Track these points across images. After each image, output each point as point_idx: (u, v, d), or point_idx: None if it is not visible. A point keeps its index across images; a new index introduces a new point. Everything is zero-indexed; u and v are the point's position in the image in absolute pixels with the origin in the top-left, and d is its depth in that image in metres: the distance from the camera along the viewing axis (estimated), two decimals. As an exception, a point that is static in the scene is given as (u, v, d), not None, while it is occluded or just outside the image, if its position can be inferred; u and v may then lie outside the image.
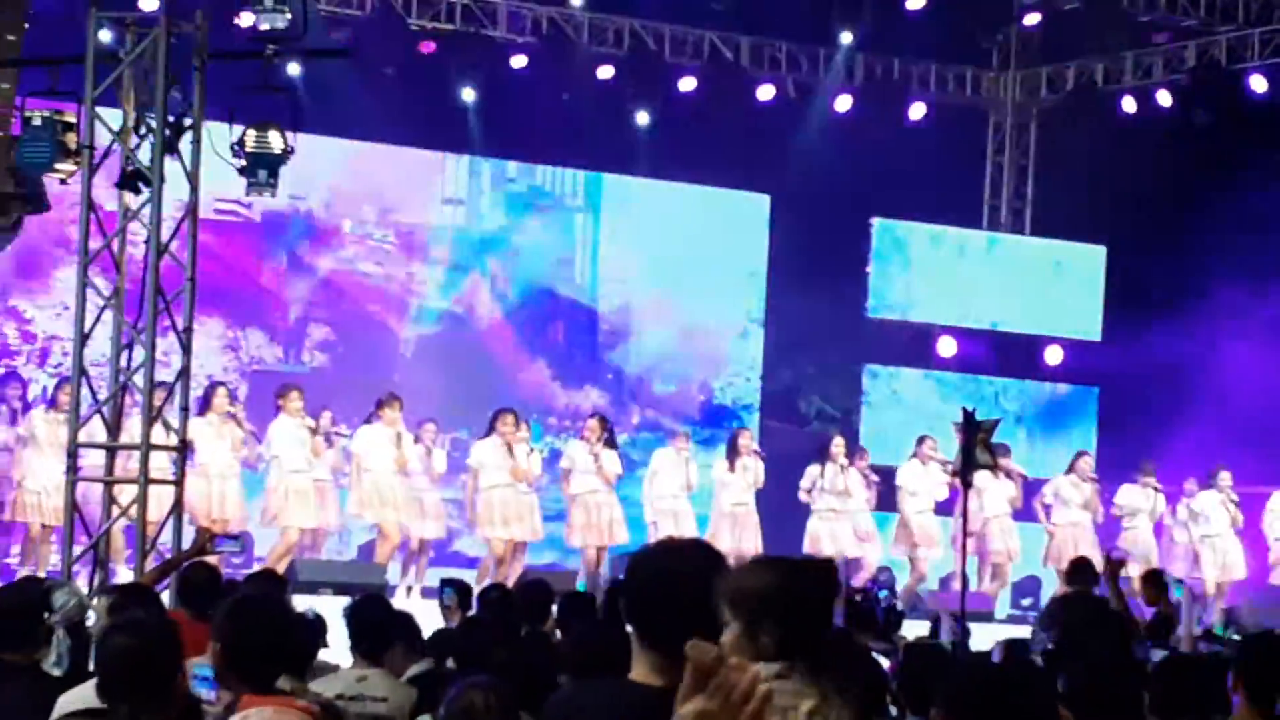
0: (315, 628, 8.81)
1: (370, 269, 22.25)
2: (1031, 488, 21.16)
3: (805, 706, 4.14)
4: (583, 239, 23.39)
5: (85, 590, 12.06)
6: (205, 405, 17.53)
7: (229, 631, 5.85)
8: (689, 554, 4.41)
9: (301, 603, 10.41)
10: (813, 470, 20.23)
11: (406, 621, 8.94)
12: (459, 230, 22.80)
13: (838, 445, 20.43)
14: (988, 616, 19.12)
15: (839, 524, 20.30)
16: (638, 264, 23.46)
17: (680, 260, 23.39)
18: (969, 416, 13.94)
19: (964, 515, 14.66)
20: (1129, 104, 23.49)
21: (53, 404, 17.56)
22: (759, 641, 4.19)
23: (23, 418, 17.70)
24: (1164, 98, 23.26)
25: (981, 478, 17.18)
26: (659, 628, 4.29)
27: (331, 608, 9.76)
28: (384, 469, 18.24)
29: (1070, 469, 21.14)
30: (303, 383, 18.88)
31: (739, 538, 19.57)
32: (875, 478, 20.61)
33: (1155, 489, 21.14)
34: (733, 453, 20.04)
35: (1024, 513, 21.11)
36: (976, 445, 13.80)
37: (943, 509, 20.53)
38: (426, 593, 17.25)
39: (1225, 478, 21.19)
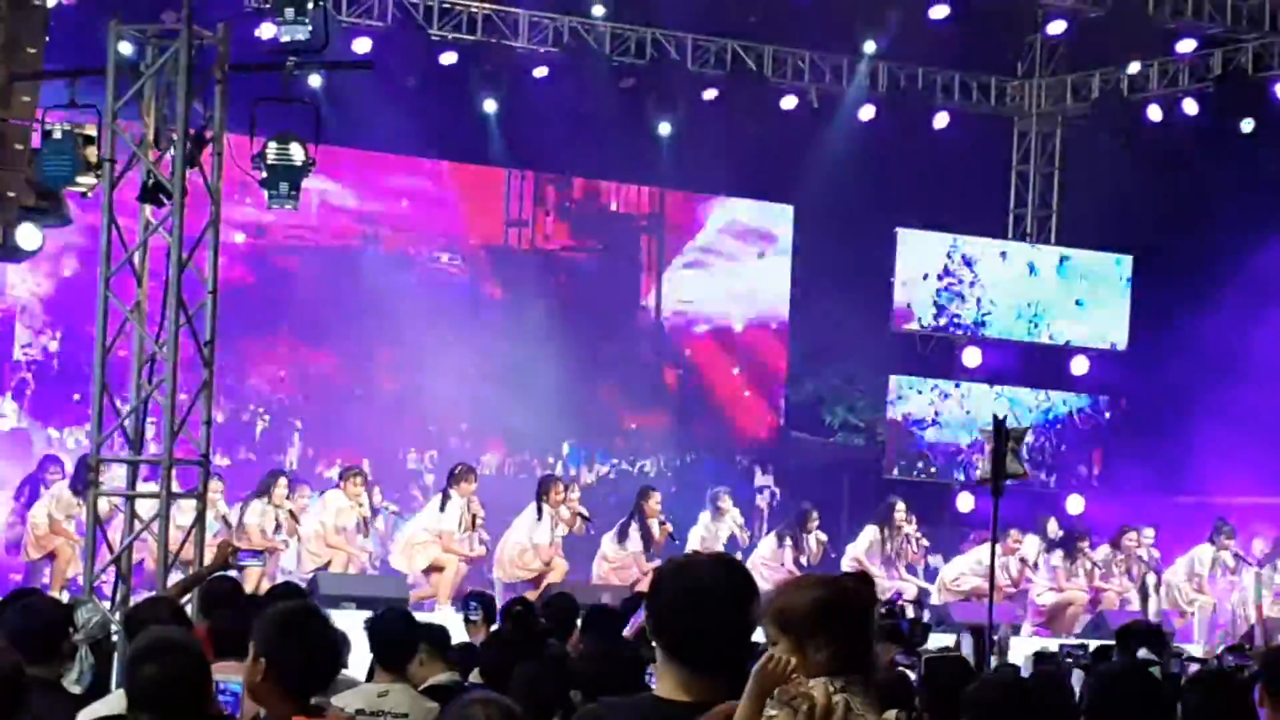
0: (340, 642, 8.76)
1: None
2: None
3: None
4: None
5: (108, 606, 12.04)
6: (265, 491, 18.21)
7: (276, 645, 5.72)
8: (714, 569, 4.35)
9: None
10: (871, 532, 20.19)
11: (434, 631, 8.93)
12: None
13: (900, 511, 20.37)
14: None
15: None
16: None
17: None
18: (999, 424, 13.77)
19: (994, 526, 14.46)
20: (1154, 112, 23.38)
21: (76, 483, 17.60)
22: (809, 659, 4.18)
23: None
24: (1190, 106, 23.14)
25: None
26: (685, 643, 4.25)
27: (354, 622, 9.70)
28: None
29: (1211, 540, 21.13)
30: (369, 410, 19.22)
31: None
32: (926, 543, 20.57)
33: (1236, 554, 21.07)
34: None
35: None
36: (1007, 454, 13.62)
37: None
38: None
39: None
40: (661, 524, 19.50)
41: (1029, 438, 14.31)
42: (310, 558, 18.51)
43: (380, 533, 19.41)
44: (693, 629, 4.25)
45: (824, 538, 20.10)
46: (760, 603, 4.34)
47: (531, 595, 18.40)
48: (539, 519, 18.93)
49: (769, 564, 19.72)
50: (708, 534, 19.90)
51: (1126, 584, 20.92)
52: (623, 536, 19.56)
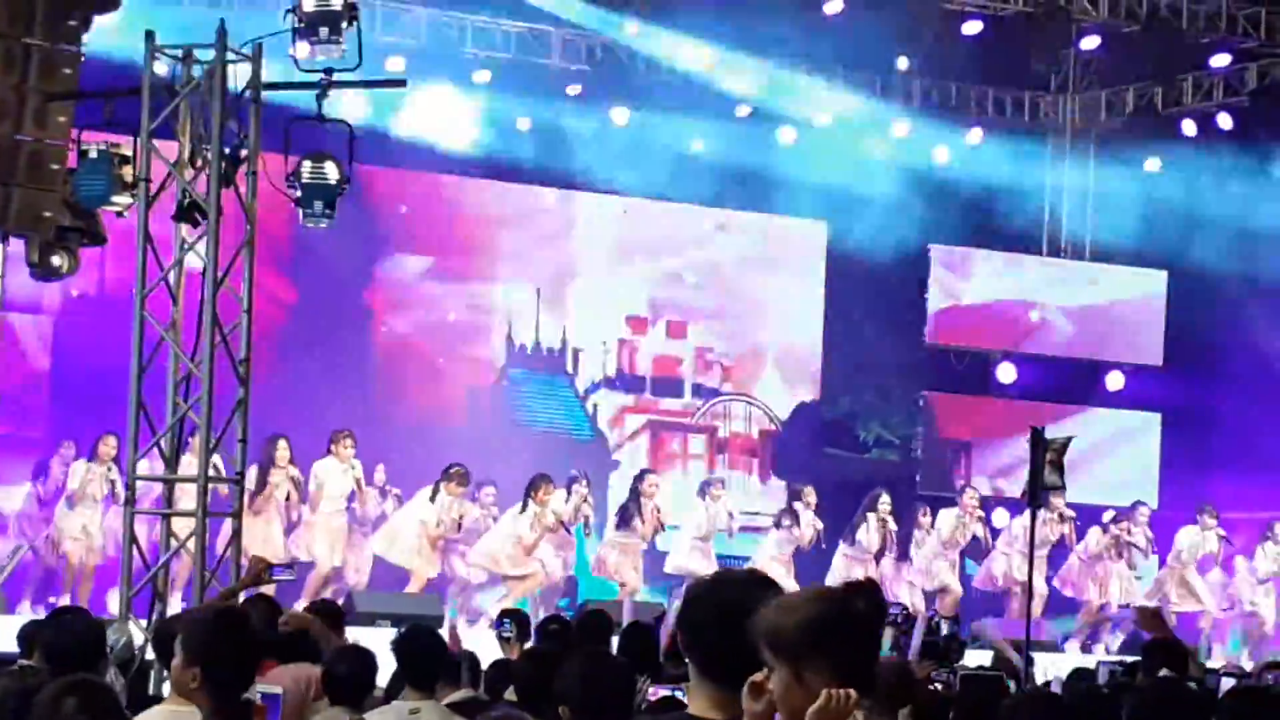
0: (370, 660, 8.77)
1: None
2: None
3: None
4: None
5: (144, 624, 12.07)
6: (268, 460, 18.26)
7: (206, 647, 5.90)
8: (746, 587, 4.34)
9: (358, 635, 10.38)
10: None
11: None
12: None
13: (885, 502, 20.71)
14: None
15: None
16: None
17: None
18: (1037, 435, 13.64)
19: (1030, 540, 14.38)
20: (1189, 127, 23.32)
21: (92, 456, 17.87)
22: (806, 683, 3.90)
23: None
24: (1224, 120, 23.07)
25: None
26: (718, 661, 4.24)
27: (387, 640, 9.71)
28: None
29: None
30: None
31: None
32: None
33: (1219, 535, 21.08)
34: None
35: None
36: (1045, 465, 13.50)
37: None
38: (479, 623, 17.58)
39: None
40: (655, 510, 19.88)
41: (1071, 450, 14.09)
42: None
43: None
44: (725, 647, 4.23)
45: (893, 526, 20.55)
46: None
47: (511, 596, 18.81)
48: (521, 512, 19.32)
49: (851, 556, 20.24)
50: (702, 520, 20.34)
51: (1124, 570, 21.07)
52: (623, 522, 20.09)
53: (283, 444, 18.61)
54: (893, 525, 20.77)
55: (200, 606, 7.52)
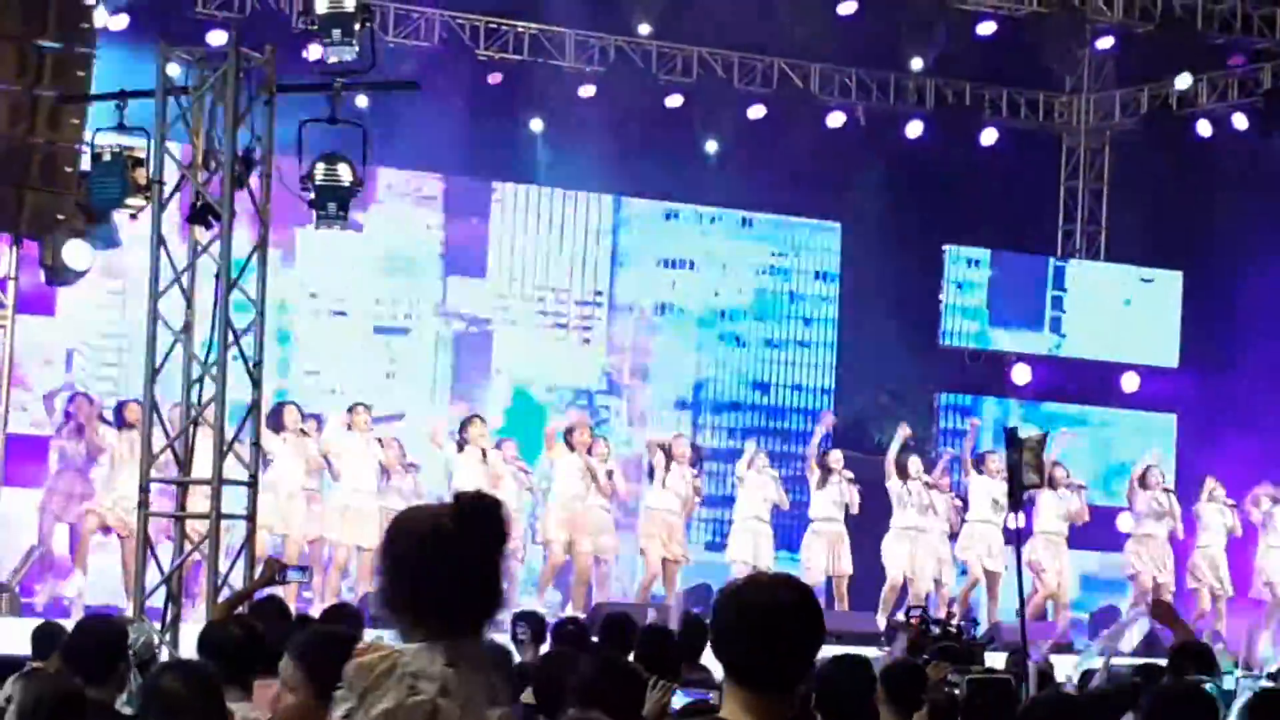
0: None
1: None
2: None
3: None
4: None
5: (158, 626, 12.06)
6: (278, 423, 17.69)
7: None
8: (775, 590, 4.33)
9: (372, 636, 10.33)
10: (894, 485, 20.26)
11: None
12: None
13: (916, 464, 20.39)
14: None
15: (919, 544, 20.23)
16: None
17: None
18: (1011, 434, 13.50)
19: (1017, 539, 14.19)
20: (1204, 127, 23.26)
21: (121, 424, 17.56)
22: None
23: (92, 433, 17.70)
24: (1240, 121, 23.01)
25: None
26: (749, 665, 4.24)
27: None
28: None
29: (1143, 484, 20.95)
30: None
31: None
32: (957, 501, 20.59)
33: (1228, 505, 21.01)
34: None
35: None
36: (1022, 464, 13.31)
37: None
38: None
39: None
40: (695, 476, 19.64)
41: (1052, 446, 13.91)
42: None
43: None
44: (756, 650, 4.23)
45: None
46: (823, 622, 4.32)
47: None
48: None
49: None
50: (749, 488, 19.94)
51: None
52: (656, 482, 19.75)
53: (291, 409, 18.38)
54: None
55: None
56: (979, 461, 20.75)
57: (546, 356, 22.66)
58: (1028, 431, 13.69)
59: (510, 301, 22.65)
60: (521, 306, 22.69)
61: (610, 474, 19.32)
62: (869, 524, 20.35)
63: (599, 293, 23.06)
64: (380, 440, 18.67)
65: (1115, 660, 15.22)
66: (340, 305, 21.74)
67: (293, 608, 11.88)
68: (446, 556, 4.16)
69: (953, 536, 20.52)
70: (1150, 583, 20.64)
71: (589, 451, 19.18)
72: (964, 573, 20.71)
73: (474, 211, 22.58)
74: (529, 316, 22.71)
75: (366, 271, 21.79)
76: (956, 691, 9.04)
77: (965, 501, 20.62)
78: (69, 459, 17.71)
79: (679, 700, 7.04)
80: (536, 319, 22.77)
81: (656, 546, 19.35)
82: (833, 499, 19.98)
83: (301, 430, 18.17)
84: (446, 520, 4.20)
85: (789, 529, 20.89)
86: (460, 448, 18.78)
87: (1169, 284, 24.58)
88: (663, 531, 19.36)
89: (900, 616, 14.35)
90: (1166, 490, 21.07)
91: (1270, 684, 10.18)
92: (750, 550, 19.52)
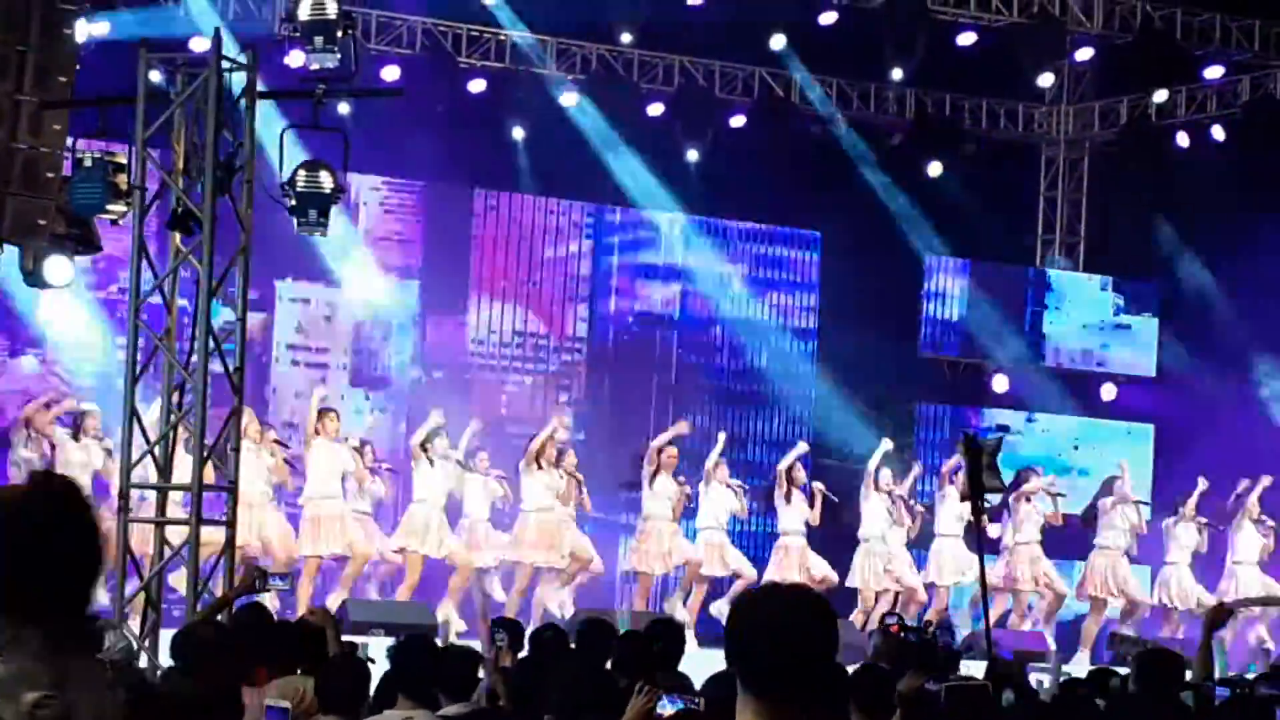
0: (363, 669, 8.76)
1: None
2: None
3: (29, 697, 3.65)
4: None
5: (138, 631, 12.07)
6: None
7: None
8: (789, 600, 4.36)
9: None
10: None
11: (461, 658, 8.92)
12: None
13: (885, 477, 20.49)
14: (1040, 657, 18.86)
15: (889, 552, 20.31)
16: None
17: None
18: (970, 439, 13.50)
19: (980, 545, 14.15)
20: (1183, 139, 23.35)
21: (77, 433, 17.60)
22: None
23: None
24: (1218, 132, 23.10)
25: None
26: (763, 675, 4.25)
27: (382, 649, 9.71)
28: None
29: (1108, 492, 21.00)
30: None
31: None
32: (920, 508, 20.67)
33: (1201, 523, 21.06)
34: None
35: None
36: (983, 469, 13.30)
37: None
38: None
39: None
40: (680, 483, 19.61)
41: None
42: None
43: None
44: (770, 661, 4.22)
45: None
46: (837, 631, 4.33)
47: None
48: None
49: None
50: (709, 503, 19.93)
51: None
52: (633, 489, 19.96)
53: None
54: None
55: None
56: (954, 474, 20.81)
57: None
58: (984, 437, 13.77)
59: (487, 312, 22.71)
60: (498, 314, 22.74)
61: (581, 485, 19.35)
62: (848, 534, 20.47)
63: (583, 302, 23.12)
64: (359, 446, 18.61)
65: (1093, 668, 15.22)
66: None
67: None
68: (19, 540, 3.81)
69: (914, 546, 20.69)
70: (1104, 594, 20.78)
71: (557, 463, 19.18)
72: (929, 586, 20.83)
73: (454, 218, 22.59)
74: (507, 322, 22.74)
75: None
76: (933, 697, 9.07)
77: (931, 511, 20.73)
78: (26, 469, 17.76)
79: (667, 708, 7.05)
80: (514, 333, 22.77)
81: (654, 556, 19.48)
82: (798, 514, 20.08)
83: (274, 440, 18.17)
84: (19, 503, 3.88)
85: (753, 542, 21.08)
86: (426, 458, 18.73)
87: (1146, 294, 24.66)
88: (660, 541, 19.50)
89: (876, 625, 14.40)
90: (1138, 503, 21.12)
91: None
92: (716, 562, 19.62)
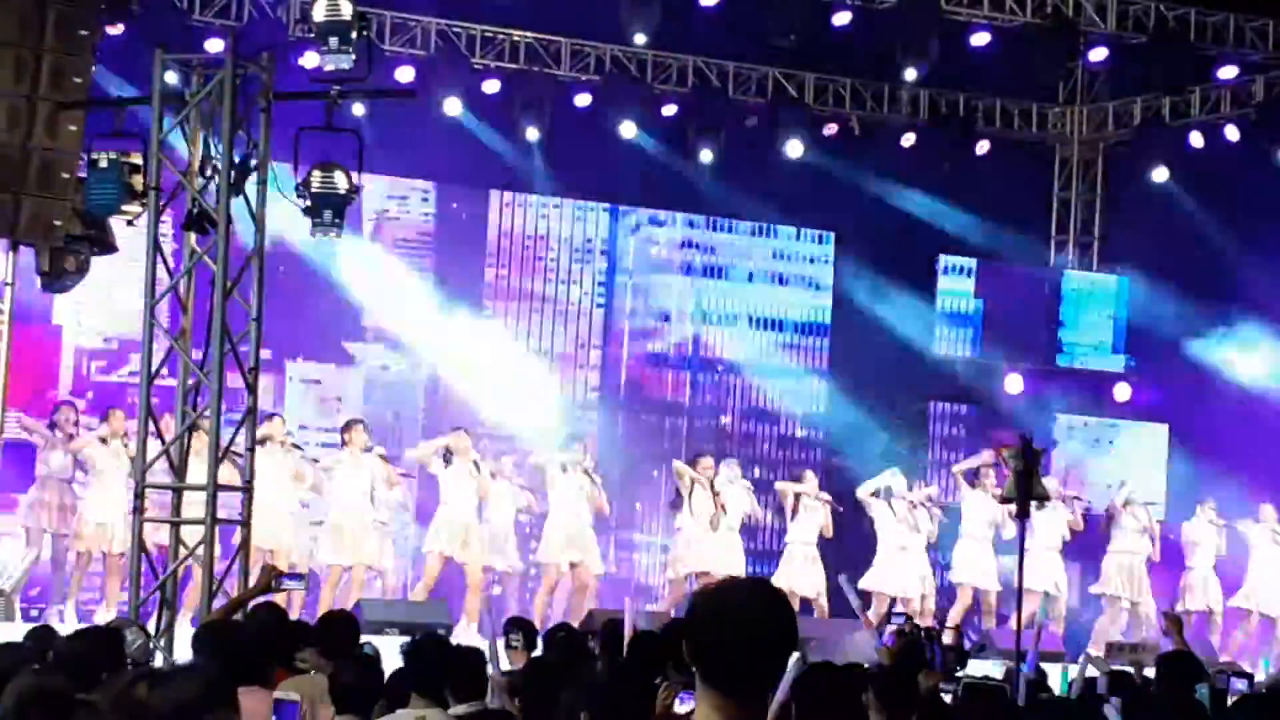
0: (377, 668, 8.78)
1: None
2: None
3: None
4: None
5: (153, 630, 12.11)
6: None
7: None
8: (747, 594, 4.37)
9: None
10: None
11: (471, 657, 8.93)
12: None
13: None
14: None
15: (908, 561, 20.30)
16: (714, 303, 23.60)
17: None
18: (1026, 444, 13.50)
19: (1020, 555, 14.22)
20: (1196, 139, 23.32)
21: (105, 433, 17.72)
22: None
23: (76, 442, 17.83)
24: (1232, 132, 23.07)
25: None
26: (721, 669, 4.27)
27: (395, 648, 9.73)
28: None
29: (1123, 501, 21.11)
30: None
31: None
32: (939, 512, 20.68)
33: (1217, 524, 21.08)
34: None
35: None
36: (1034, 475, 13.31)
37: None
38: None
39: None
40: (715, 493, 19.70)
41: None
42: None
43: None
44: (728, 655, 4.25)
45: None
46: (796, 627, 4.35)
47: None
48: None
49: None
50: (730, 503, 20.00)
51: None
52: (675, 508, 19.92)
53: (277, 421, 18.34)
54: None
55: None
56: (974, 476, 20.81)
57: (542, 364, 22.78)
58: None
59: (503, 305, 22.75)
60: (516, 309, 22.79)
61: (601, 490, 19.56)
62: (860, 538, 20.56)
63: (599, 304, 23.14)
64: (382, 456, 18.68)
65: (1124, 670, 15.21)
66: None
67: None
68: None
69: (932, 547, 20.73)
70: (1125, 601, 20.82)
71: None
72: (946, 587, 20.85)
73: (469, 219, 22.63)
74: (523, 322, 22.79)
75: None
76: (948, 699, 9.10)
77: (945, 511, 20.78)
78: (53, 470, 17.82)
79: (686, 704, 7.08)
80: (531, 328, 22.82)
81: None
82: (807, 523, 20.12)
83: (293, 445, 18.31)
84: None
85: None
86: (447, 462, 18.79)
87: (1162, 295, 24.62)
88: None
89: (891, 626, 14.42)
90: (1147, 505, 21.18)
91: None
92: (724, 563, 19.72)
